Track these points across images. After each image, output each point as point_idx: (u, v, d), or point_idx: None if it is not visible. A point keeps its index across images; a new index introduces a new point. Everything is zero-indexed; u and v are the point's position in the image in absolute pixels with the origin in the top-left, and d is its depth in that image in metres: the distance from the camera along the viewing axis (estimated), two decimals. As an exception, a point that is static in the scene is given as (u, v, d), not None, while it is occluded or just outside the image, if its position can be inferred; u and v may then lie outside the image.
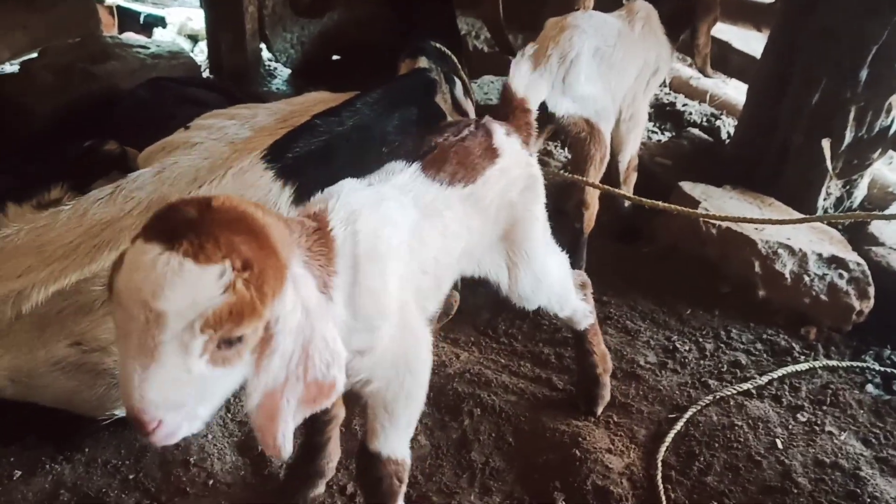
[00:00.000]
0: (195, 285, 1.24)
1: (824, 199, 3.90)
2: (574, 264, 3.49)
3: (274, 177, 2.42)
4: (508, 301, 3.41)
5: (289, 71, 5.94)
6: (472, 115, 3.31)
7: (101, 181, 2.78)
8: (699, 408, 2.81)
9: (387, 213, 1.77)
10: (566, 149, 4.80)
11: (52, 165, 3.09)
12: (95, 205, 2.43)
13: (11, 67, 5.16)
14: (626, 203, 3.88)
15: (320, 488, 2.37)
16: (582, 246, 3.50)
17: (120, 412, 2.51)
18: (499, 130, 2.13)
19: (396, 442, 1.93)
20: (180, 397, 1.30)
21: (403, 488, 2.00)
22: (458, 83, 3.30)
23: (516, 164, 2.16)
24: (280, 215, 1.58)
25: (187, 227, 1.28)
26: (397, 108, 2.75)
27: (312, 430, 2.27)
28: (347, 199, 1.72)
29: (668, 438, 2.65)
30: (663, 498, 2.42)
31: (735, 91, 5.25)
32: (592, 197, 3.40)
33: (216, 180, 2.43)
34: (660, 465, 2.55)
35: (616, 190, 3.40)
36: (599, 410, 2.75)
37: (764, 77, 4.02)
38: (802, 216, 3.66)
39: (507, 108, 2.26)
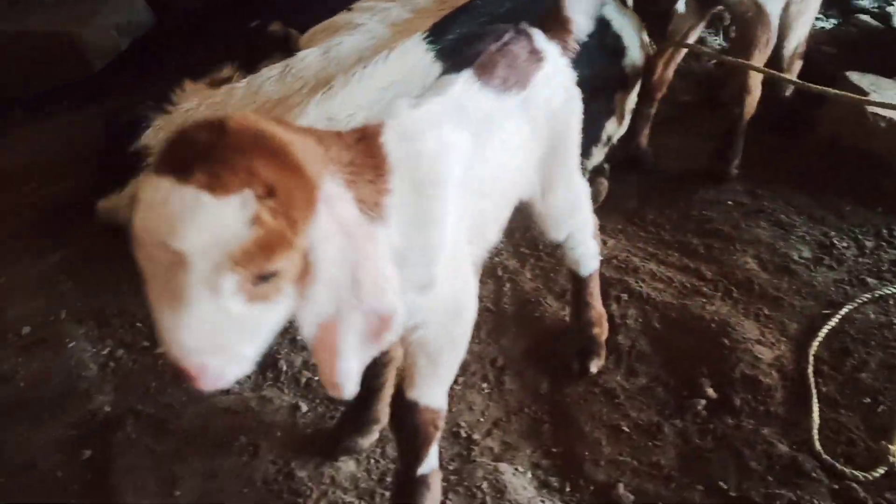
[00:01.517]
0: (215, 220, 1.12)
1: None
2: (729, 155, 3.44)
3: (434, 58, 2.46)
4: (653, 192, 3.45)
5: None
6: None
7: (267, 62, 2.90)
8: (856, 305, 2.74)
9: (447, 135, 1.61)
10: (721, 35, 4.61)
11: (221, 46, 3.23)
12: (267, 83, 2.56)
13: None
14: (787, 91, 3.71)
15: (374, 436, 2.26)
16: (739, 135, 3.39)
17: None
18: (537, 34, 1.96)
19: (436, 390, 1.81)
20: (220, 340, 1.20)
21: (438, 435, 1.88)
22: None
23: (559, 70, 1.99)
24: (311, 129, 1.45)
25: (200, 155, 1.14)
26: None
27: (368, 374, 2.06)
28: (406, 115, 1.58)
29: (822, 333, 2.61)
30: (814, 391, 2.40)
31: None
32: (755, 81, 3.27)
33: (379, 61, 2.49)
34: (811, 358, 2.52)
35: (782, 75, 3.25)
36: (594, 369, 2.54)
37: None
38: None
39: (549, 22, 2.06)
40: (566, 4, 2.07)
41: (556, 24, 2.05)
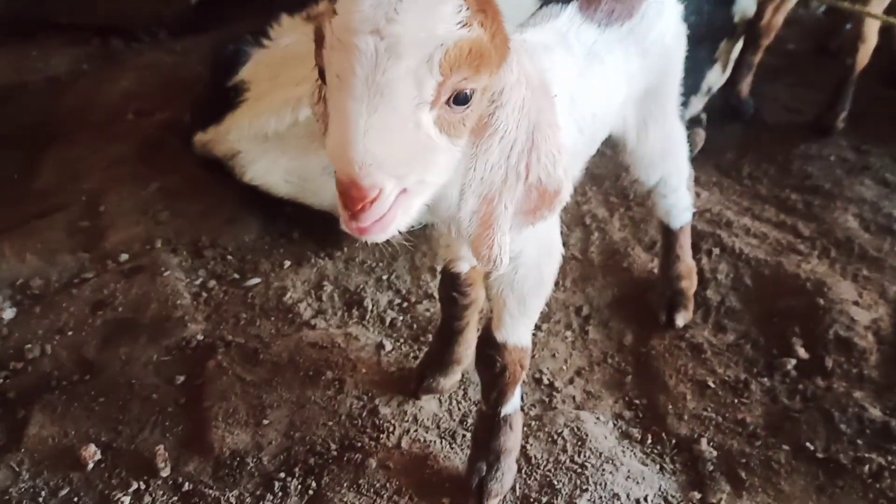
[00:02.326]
0: (433, 9, 1.11)
1: None
2: (837, 108, 3.29)
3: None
4: (752, 144, 3.33)
5: None
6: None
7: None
8: (962, 270, 2.62)
9: (558, 59, 1.57)
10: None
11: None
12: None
13: None
14: (903, 43, 3.52)
15: (457, 376, 2.26)
16: (849, 87, 3.25)
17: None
18: None
19: (523, 329, 1.80)
20: (404, 158, 1.15)
21: (524, 374, 1.89)
22: None
23: (669, 3, 1.89)
24: None
25: None
26: None
27: (451, 315, 2.14)
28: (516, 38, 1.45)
29: (924, 297, 2.51)
30: (912, 356, 2.32)
31: None
32: (871, 30, 3.11)
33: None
34: (911, 323, 2.43)
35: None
36: (681, 323, 2.48)
37: None
38: None
39: None
40: None
41: None
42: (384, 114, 1.10)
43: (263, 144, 2.58)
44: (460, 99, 1.17)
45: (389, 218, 1.17)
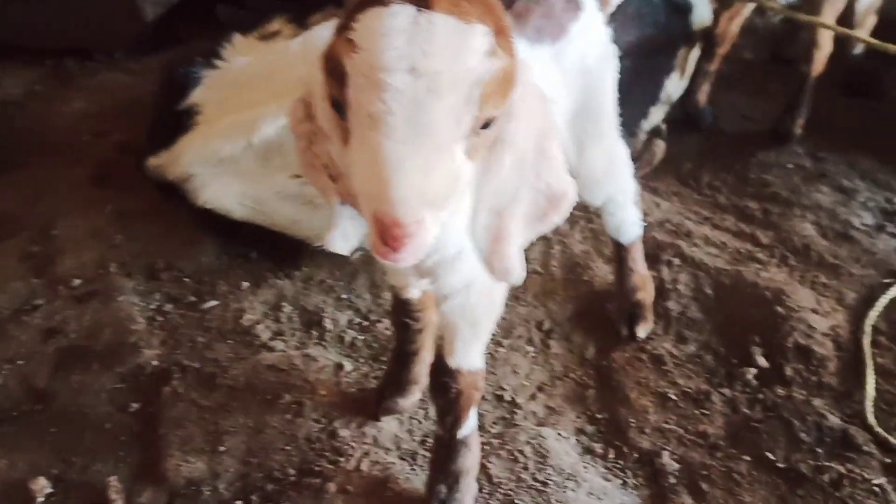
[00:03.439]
0: (466, 43, 1.08)
1: None
2: (794, 114, 3.32)
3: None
4: (710, 153, 3.35)
5: None
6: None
7: (318, 16, 2.86)
8: (919, 275, 2.64)
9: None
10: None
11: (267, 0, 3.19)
12: (321, 42, 2.51)
13: None
14: (858, 51, 3.56)
15: (416, 395, 2.23)
16: (806, 93, 3.28)
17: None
18: None
19: (476, 353, 1.78)
20: (443, 191, 1.13)
21: (479, 395, 1.87)
22: None
23: (596, 24, 1.89)
24: None
25: None
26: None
27: (405, 339, 2.13)
28: None
29: (881, 303, 2.53)
30: (870, 362, 2.33)
31: None
32: (825, 37, 3.15)
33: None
34: (869, 329, 2.44)
35: (853, 32, 3.11)
36: (642, 335, 2.47)
37: None
38: None
39: None
40: None
41: None
42: (426, 153, 1.09)
43: (216, 168, 2.55)
44: (486, 124, 1.17)
45: (426, 239, 1.14)
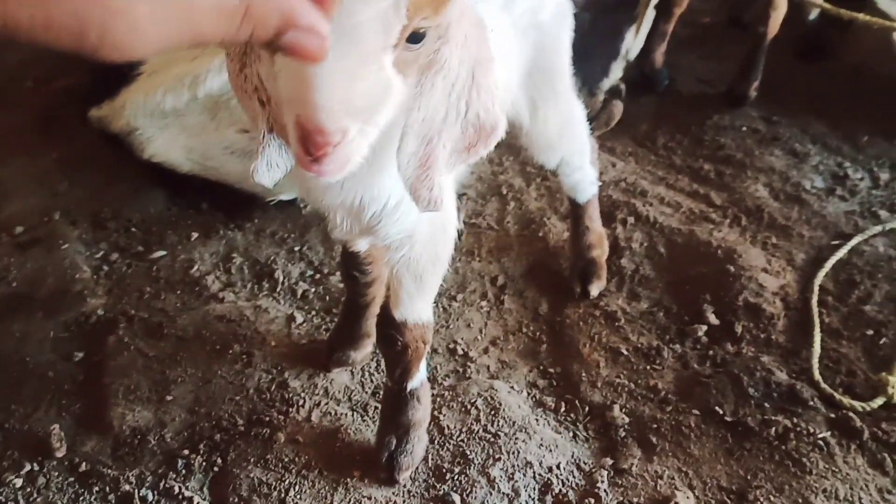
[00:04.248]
0: None
1: None
2: (749, 76, 3.33)
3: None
4: (666, 114, 3.36)
5: None
6: None
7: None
8: (866, 237, 2.68)
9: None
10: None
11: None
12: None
13: None
14: (812, 16, 3.58)
15: (367, 348, 2.22)
16: (761, 55, 3.30)
17: (286, 196, 2.65)
18: None
19: (422, 306, 1.77)
20: (368, 102, 1.11)
21: (427, 349, 1.86)
22: None
23: None
24: None
25: None
26: None
27: (355, 292, 2.11)
28: None
29: (829, 264, 2.56)
30: (817, 321, 2.36)
31: None
32: (781, -1, 3.15)
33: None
34: (816, 288, 2.48)
35: (808, -4, 3.13)
36: (595, 292, 2.48)
37: None
38: None
39: None
40: None
41: None
42: (351, 59, 1.06)
43: (162, 121, 2.48)
44: (416, 37, 1.13)
45: (346, 157, 1.11)
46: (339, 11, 1.02)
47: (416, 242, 1.60)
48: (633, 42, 3.23)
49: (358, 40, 1.06)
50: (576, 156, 2.23)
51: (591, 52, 2.38)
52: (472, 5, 1.29)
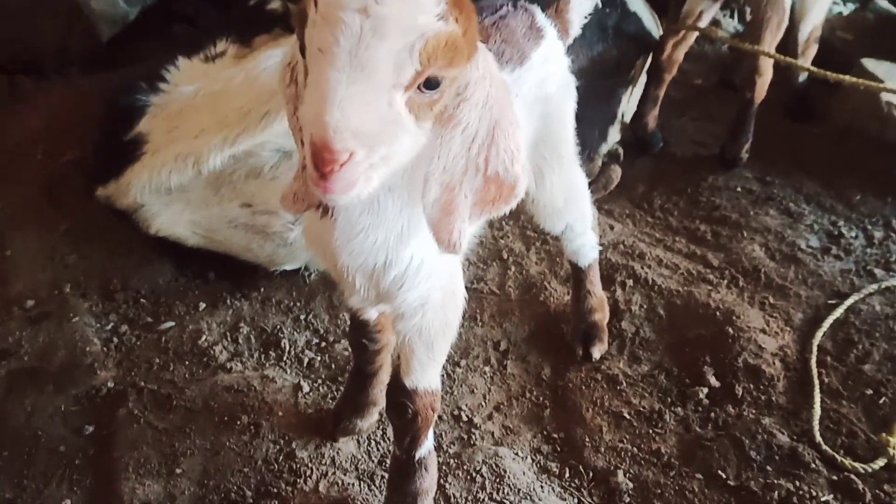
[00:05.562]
0: (417, 1, 1.18)
1: None
2: (740, 139, 3.41)
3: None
4: (662, 176, 3.43)
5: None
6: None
7: (264, 36, 2.86)
8: (862, 296, 2.72)
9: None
10: (736, 18, 4.55)
11: (218, 20, 3.19)
12: (264, 73, 2.52)
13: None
14: (801, 78, 3.68)
15: (374, 417, 2.25)
16: (750, 119, 3.38)
17: (290, 265, 2.70)
18: (538, 11, 1.88)
19: (432, 373, 1.80)
20: (375, 131, 1.19)
21: (435, 416, 1.89)
22: None
23: (557, 52, 1.92)
24: None
25: None
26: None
27: (363, 360, 2.15)
28: None
29: (826, 323, 2.60)
30: (816, 382, 2.40)
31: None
32: (766, 64, 3.25)
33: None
34: (815, 349, 2.51)
35: (793, 60, 3.22)
36: (597, 355, 2.52)
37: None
38: None
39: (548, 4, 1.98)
40: None
41: (554, 8, 1.99)
42: (362, 86, 1.16)
43: (166, 197, 2.53)
44: (431, 84, 1.23)
45: (352, 178, 1.20)
46: (357, 42, 1.16)
47: (429, 310, 1.66)
48: (627, 105, 3.32)
49: (370, 72, 1.16)
50: (579, 222, 2.29)
51: (588, 117, 2.44)
52: (497, 71, 1.39)
